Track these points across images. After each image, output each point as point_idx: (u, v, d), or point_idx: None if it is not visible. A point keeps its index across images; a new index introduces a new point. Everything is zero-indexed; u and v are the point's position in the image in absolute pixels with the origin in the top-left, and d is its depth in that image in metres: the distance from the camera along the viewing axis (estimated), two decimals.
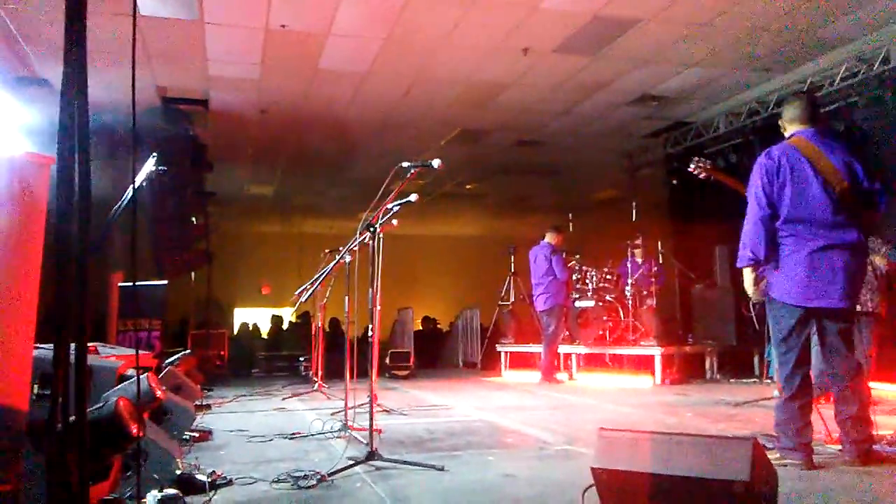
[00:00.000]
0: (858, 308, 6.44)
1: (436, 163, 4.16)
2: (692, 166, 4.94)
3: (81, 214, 1.60)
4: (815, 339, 4.11)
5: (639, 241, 10.14)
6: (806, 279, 3.93)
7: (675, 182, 11.08)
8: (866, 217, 4.03)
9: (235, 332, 16.65)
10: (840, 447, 4.01)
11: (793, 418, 3.92)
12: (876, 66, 7.96)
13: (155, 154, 5.76)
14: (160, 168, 5.82)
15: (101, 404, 2.75)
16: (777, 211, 4.01)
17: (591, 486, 3.02)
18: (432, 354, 13.62)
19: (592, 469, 2.99)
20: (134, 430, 2.68)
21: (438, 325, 15.97)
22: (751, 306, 7.16)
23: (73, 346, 1.76)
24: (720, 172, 4.84)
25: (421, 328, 14.94)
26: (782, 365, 4.04)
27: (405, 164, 4.14)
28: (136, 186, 5.31)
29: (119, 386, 3.77)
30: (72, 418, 1.95)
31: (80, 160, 1.57)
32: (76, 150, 1.56)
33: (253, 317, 17.77)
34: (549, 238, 9.89)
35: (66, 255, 1.58)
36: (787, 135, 4.23)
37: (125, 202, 5.45)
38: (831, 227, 3.92)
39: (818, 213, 3.93)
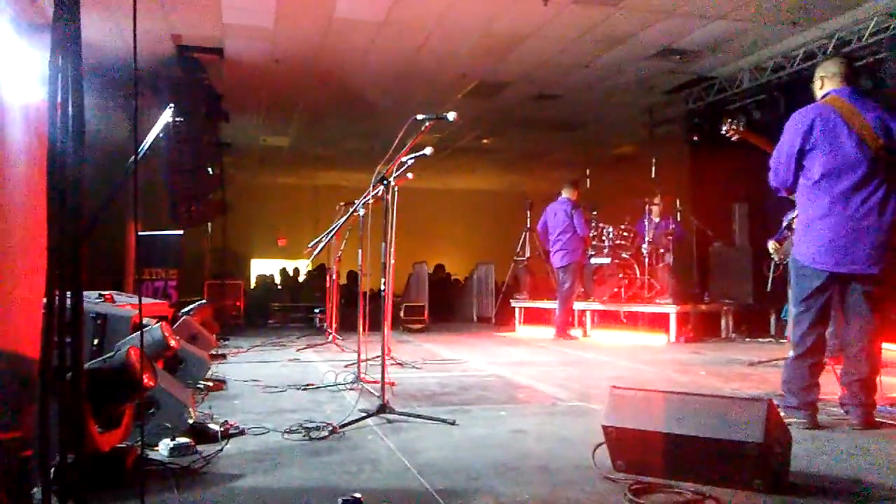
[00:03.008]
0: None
1: (451, 115, 4.08)
2: (724, 127, 4.82)
3: (75, 161, 1.56)
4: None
5: (657, 200, 10.03)
6: (836, 243, 3.86)
7: (696, 139, 10.89)
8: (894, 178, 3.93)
9: (253, 283, 16.79)
10: (843, 409, 3.97)
11: (801, 376, 3.89)
12: None
13: (172, 105, 5.70)
14: (177, 118, 5.76)
15: (111, 353, 2.76)
16: (808, 172, 3.96)
17: (601, 443, 3.02)
18: (447, 308, 13.66)
19: (603, 427, 2.98)
20: (145, 379, 2.69)
21: (452, 276, 15.86)
22: (772, 266, 7.07)
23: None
24: (752, 134, 4.72)
25: (432, 273, 14.84)
26: (798, 323, 3.99)
27: (420, 117, 4.07)
28: (150, 136, 5.27)
29: (132, 335, 3.79)
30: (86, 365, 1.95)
31: (74, 104, 1.52)
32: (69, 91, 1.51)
33: (270, 268, 17.90)
34: (568, 193, 9.81)
35: (60, 203, 1.55)
36: (821, 93, 4.12)
37: (139, 154, 5.41)
38: (865, 187, 3.84)
39: (852, 172, 3.85)
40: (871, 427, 3.84)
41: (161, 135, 5.79)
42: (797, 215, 4.29)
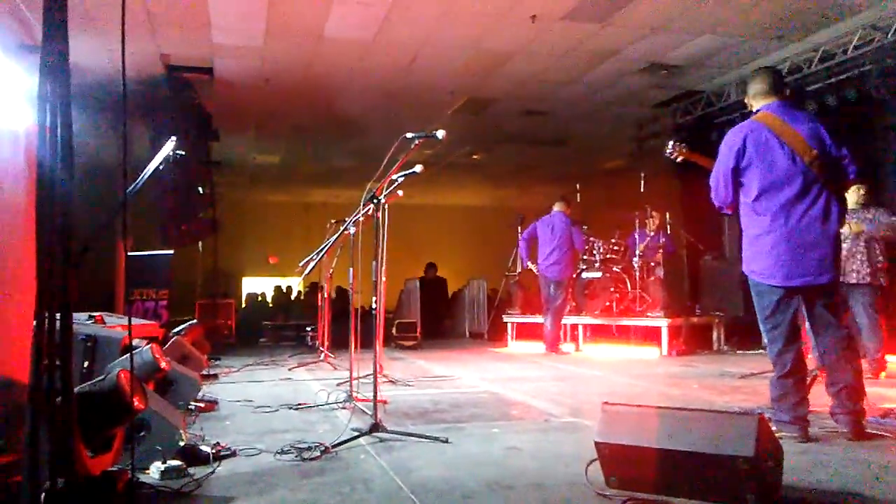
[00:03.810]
0: (855, 280, 6.42)
1: (440, 133, 4.11)
2: (668, 150, 4.86)
3: (64, 184, 1.56)
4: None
5: (653, 213, 10.07)
6: (782, 258, 3.90)
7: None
8: (837, 185, 3.97)
9: (244, 301, 16.73)
10: (834, 419, 3.97)
11: (788, 393, 3.90)
12: (890, 34, 7.81)
13: (174, 138, 5.69)
14: (178, 152, 5.75)
15: (102, 377, 2.74)
16: (747, 190, 4.02)
17: (594, 459, 3.01)
18: (439, 324, 13.64)
19: (596, 443, 2.98)
20: (135, 402, 2.68)
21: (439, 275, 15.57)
22: None
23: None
24: (697, 155, 4.75)
25: (424, 275, 14.77)
26: (771, 342, 4.00)
27: (409, 135, 4.09)
28: (150, 167, 5.29)
29: (123, 357, 3.78)
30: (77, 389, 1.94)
31: (63, 128, 1.53)
32: (58, 117, 1.52)
33: (262, 286, 17.85)
34: (561, 208, 9.88)
35: (49, 226, 1.55)
36: (754, 110, 4.18)
37: (138, 184, 5.41)
38: (803, 200, 3.89)
39: (788, 186, 3.90)
40: (863, 437, 3.85)
41: (161, 166, 5.75)
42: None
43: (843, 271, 6.40)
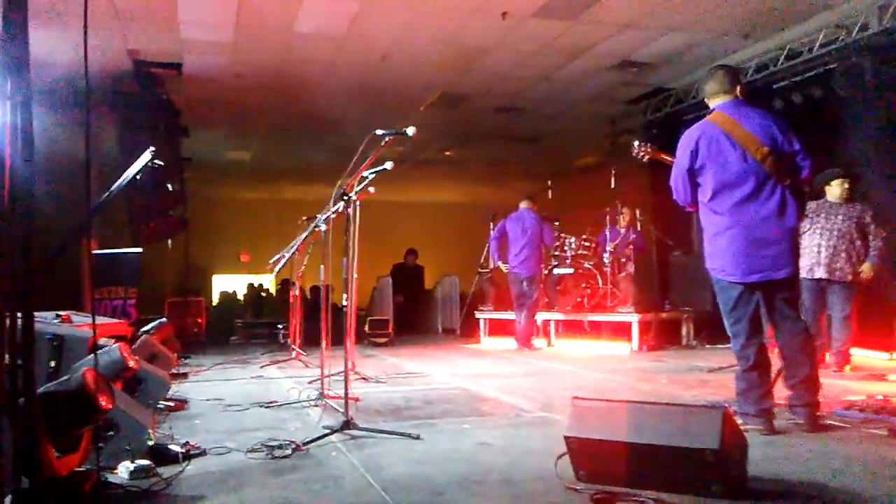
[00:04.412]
0: (839, 278, 6.53)
1: (410, 130, 4.10)
2: (634, 151, 4.92)
3: (24, 181, 1.54)
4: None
5: (624, 210, 10.16)
6: (739, 255, 3.97)
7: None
8: (792, 181, 4.02)
9: (217, 299, 16.56)
10: (792, 411, 4.04)
11: (752, 387, 3.97)
12: (854, 32, 7.93)
13: (153, 148, 5.65)
14: (155, 162, 5.69)
15: (67, 376, 2.71)
16: (703, 190, 4.10)
17: (563, 454, 3.05)
18: (412, 321, 13.63)
19: (565, 437, 3.01)
20: (102, 402, 2.65)
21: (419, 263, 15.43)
22: None
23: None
24: (663, 154, 4.81)
25: (403, 261, 14.62)
26: (735, 337, 4.07)
27: (379, 132, 4.08)
28: (129, 177, 5.25)
29: (89, 356, 3.73)
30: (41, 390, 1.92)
31: (23, 126, 1.51)
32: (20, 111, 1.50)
33: (233, 284, 17.70)
34: (528, 205, 9.96)
35: (11, 225, 1.53)
36: (710, 108, 4.25)
37: (112, 192, 5.36)
38: (757, 197, 3.96)
39: (742, 185, 3.97)
40: (819, 428, 3.94)
41: (138, 176, 5.66)
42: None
43: (829, 269, 6.54)
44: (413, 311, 13.97)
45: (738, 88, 4.17)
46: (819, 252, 6.55)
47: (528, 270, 9.75)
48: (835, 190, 6.67)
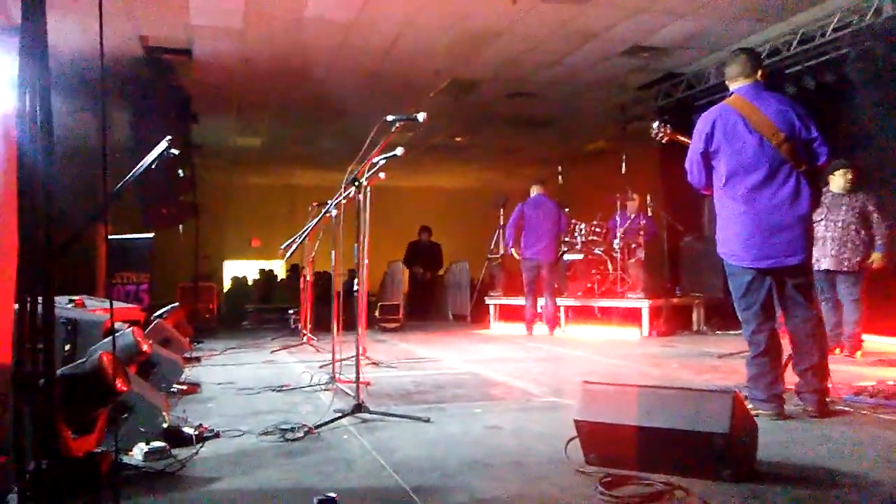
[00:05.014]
0: (847, 268, 6.54)
1: (421, 116, 4.11)
2: (654, 131, 4.94)
3: (45, 167, 1.56)
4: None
5: (633, 196, 10.15)
6: (752, 240, 3.96)
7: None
8: (808, 167, 4.00)
9: (229, 285, 16.65)
10: (800, 397, 4.04)
11: (763, 373, 3.97)
12: (868, 17, 7.86)
13: (169, 137, 5.67)
14: (170, 151, 5.71)
15: (83, 359, 2.75)
16: (718, 173, 4.09)
17: (574, 437, 3.07)
18: (422, 307, 13.67)
19: (576, 421, 3.03)
20: (117, 384, 2.69)
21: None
22: None
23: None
24: (681, 135, 4.81)
25: (418, 239, 14.56)
26: (746, 322, 4.07)
27: (390, 118, 4.09)
28: (145, 166, 5.27)
29: (105, 340, 3.78)
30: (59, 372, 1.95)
31: (42, 111, 1.53)
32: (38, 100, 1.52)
33: (244, 270, 17.79)
34: (542, 190, 10.00)
35: (31, 211, 1.55)
36: (729, 91, 4.23)
37: (128, 181, 5.38)
38: (771, 183, 3.94)
39: (756, 170, 3.96)
40: (827, 414, 3.95)
41: (154, 165, 5.68)
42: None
43: (837, 258, 6.57)
44: (423, 298, 13.99)
45: (760, 72, 4.15)
46: (825, 244, 6.60)
47: (548, 256, 9.82)
48: (838, 180, 6.68)
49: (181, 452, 3.26)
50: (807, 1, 8.14)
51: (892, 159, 7.44)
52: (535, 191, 10.06)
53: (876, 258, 6.52)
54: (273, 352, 7.85)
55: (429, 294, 14.22)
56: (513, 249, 10.07)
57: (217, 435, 3.67)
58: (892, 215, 6.67)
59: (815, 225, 6.47)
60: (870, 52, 7.74)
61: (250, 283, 16.47)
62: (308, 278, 8.58)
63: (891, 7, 7.62)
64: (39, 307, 1.71)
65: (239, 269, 18.40)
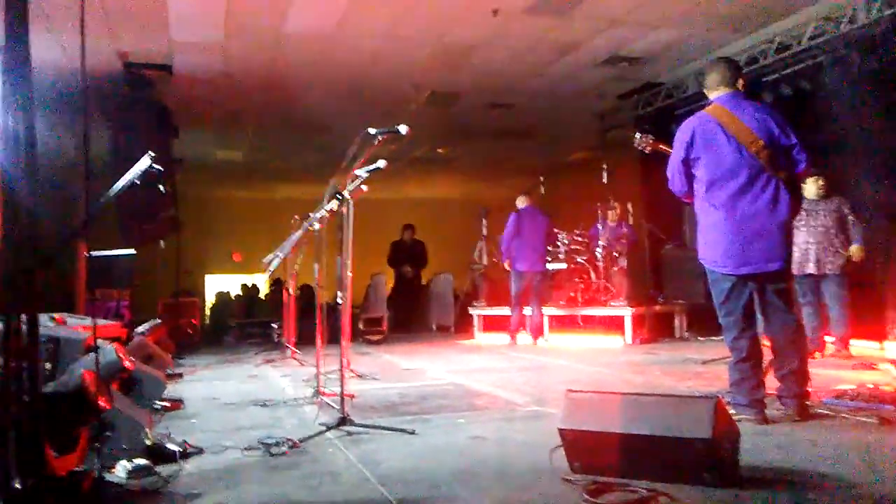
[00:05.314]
0: (830, 271, 6.67)
1: (403, 128, 4.13)
2: (636, 142, 5.00)
3: (27, 186, 1.56)
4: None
5: (614, 204, 10.23)
6: (732, 247, 4.01)
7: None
8: (788, 174, 4.05)
9: (212, 300, 16.54)
10: (781, 402, 4.08)
11: (745, 378, 4.00)
12: (843, 25, 7.99)
13: (151, 153, 5.62)
14: (154, 167, 5.66)
15: (66, 377, 2.73)
16: (698, 181, 4.14)
17: (558, 446, 3.08)
18: (406, 318, 13.64)
19: (560, 430, 3.04)
20: (100, 402, 2.67)
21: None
22: None
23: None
24: (663, 144, 4.87)
25: (400, 239, 14.38)
26: (727, 329, 4.11)
27: (372, 131, 4.10)
28: (128, 182, 5.23)
29: (86, 357, 3.75)
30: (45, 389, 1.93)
31: (25, 131, 1.53)
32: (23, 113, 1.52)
33: (226, 284, 17.68)
34: (530, 201, 10.08)
35: (13, 230, 1.55)
36: (709, 100, 4.29)
37: (109, 198, 5.34)
38: (750, 190, 3.99)
39: (735, 177, 4.01)
40: (808, 417, 4.00)
41: (137, 181, 5.62)
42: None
43: (819, 263, 6.76)
44: (408, 301, 13.90)
45: (740, 81, 4.21)
46: (807, 250, 6.78)
47: (541, 267, 9.96)
48: (810, 187, 6.85)
49: (165, 469, 3.23)
50: (783, 10, 8.27)
51: (867, 164, 7.55)
52: (522, 202, 10.11)
53: (854, 250, 6.71)
54: (257, 366, 7.81)
55: (414, 297, 14.09)
56: (505, 261, 10.09)
57: (201, 451, 3.65)
58: (866, 218, 6.82)
59: (795, 231, 6.61)
60: (845, 60, 7.86)
61: (233, 297, 16.37)
62: (291, 292, 8.55)
63: (865, 15, 7.75)
64: (23, 325, 1.70)
65: (222, 283, 18.28)
